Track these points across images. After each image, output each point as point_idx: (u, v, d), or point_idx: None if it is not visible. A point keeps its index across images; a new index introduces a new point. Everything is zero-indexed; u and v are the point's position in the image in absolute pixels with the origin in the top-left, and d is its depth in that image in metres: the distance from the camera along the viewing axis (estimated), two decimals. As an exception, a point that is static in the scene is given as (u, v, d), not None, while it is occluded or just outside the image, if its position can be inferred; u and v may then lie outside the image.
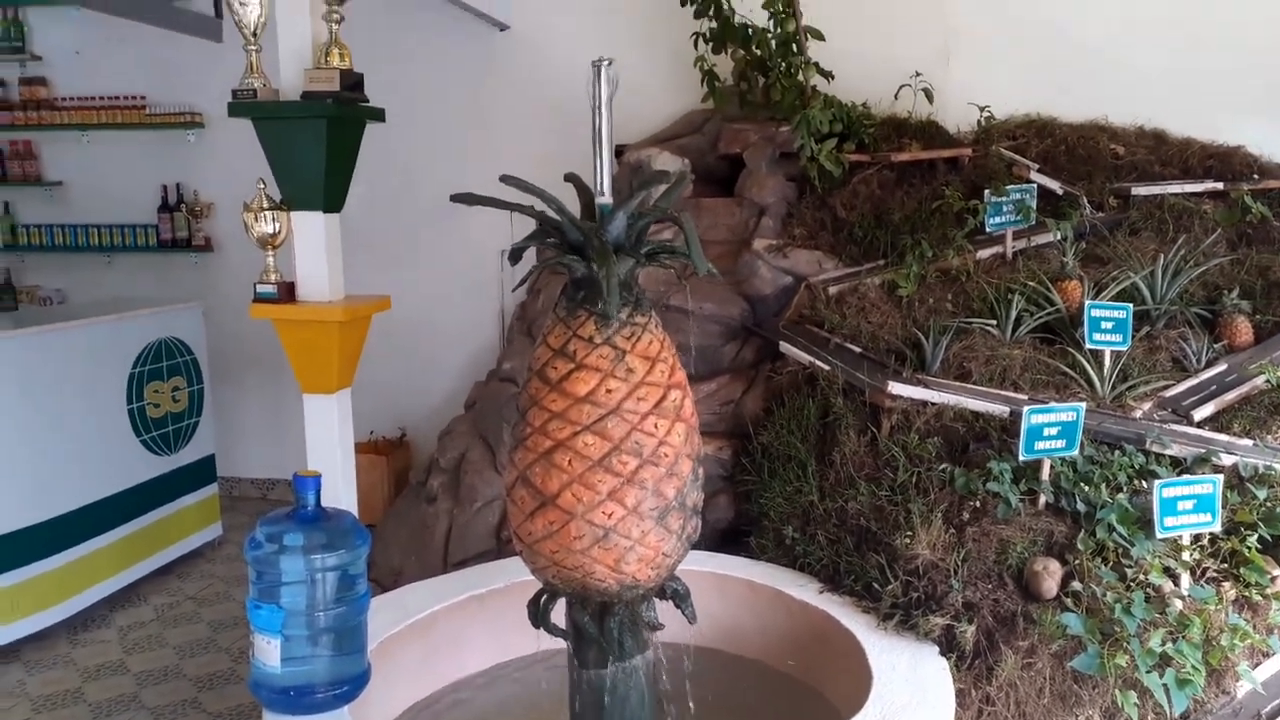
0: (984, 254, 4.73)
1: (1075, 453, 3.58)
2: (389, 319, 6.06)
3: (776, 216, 4.93)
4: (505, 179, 2.61)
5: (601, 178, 2.80)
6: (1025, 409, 3.47)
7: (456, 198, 2.71)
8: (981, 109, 5.18)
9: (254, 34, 3.31)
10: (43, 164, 6.82)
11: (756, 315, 4.88)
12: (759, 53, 4.80)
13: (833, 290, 4.63)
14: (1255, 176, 4.96)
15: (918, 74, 5.07)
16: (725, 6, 4.89)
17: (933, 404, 3.92)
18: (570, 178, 3.01)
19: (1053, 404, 3.59)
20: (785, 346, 4.46)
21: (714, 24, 4.89)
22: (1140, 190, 4.91)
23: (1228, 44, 5.13)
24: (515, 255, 2.82)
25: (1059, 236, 4.65)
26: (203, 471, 5.66)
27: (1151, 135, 5.17)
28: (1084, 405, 3.58)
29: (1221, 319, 4.43)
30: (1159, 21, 5.22)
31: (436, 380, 6.06)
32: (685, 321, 4.86)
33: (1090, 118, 5.22)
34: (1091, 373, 4.10)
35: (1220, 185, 4.91)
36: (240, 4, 3.25)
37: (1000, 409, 3.85)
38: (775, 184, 4.96)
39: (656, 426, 2.56)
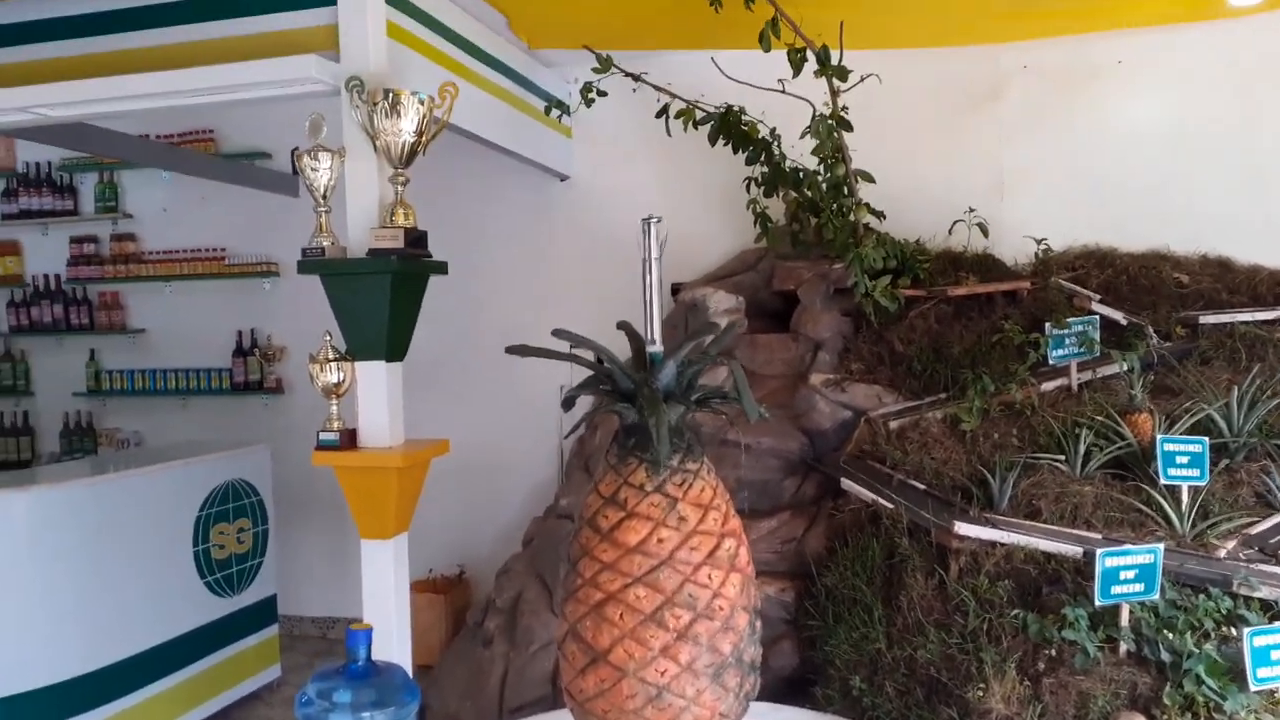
0: (1048, 387, 4.63)
1: (1156, 596, 3.40)
2: (450, 457, 6.16)
3: (833, 351, 4.92)
4: (557, 333, 2.66)
5: (651, 327, 2.83)
6: (1099, 551, 3.33)
7: (512, 349, 2.76)
8: (1038, 241, 5.18)
9: (324, 196, 3.49)
10: (128, 313, 7.18)
11: (816, 450, 4.82)
12: (810, 195, 4.89)
13: (893, 425, 4.56)
14: (1329, 303, 4.82)
15: (971, 209, 5.11)
16: (776, 153, 5.03)
17: (1002, 545, 3.78)
18: (622, 325, 3.05)
19: (1128, 545, 3.44)
20: (847, 483, 4.38)
21: (765, 169, 5.02)
22: (1208, 319, 4.80)
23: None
24: (568, 403, 2.85)
25: (1125, 368, 4.54)
26: (264, 612, 5.68)
27: (1216, 263, 5.07)
28: (1162, 546, 3.41)
29: (1305, 451, 4.24)
30: (1215, 151, 5.21)
31: (496, 517, 6.07)
32: (741, 457, 4.82)
33: (1151, 247, 5.16)
34: (1169, 510, 3.93)
35: (1293, 312, 4.78)
36: (311, 169, 3.44)
37: (1073, 549, 3.70)
38: (830, 319, 4.98)
39: (710, 578, 2.51)
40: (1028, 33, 5.19)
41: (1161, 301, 4.90)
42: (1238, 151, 5.17)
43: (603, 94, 5.19)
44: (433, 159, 6.23)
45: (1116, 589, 3.35)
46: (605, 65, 5.07)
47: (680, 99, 5.18)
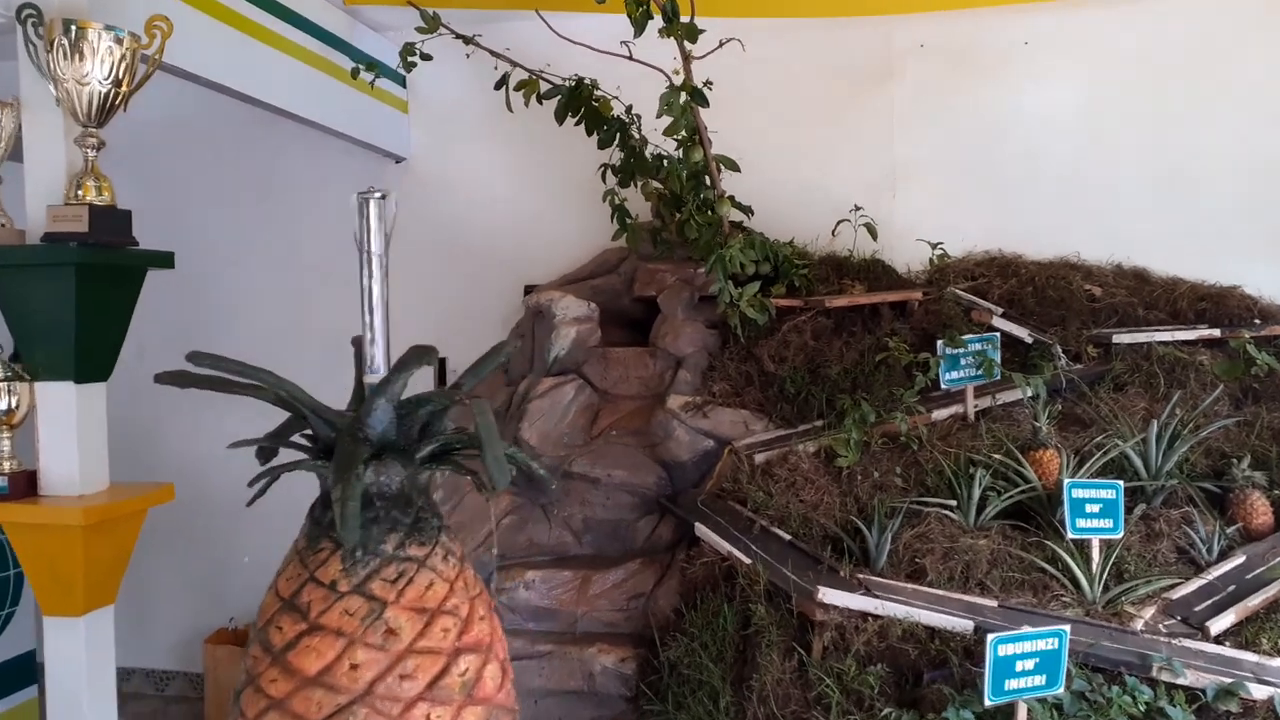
0: (940, 415, 3.96)
1: (1060, 689, 2.71)
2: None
3: (696, 369, 4.17)
4: (194, 356, 1.85)
5: (375, 350, 2.04)
6: (990, 638, 2.62)
7: (161, 378, 1.94)
8: (934, 245, 4.51)
9: (-16, 160, 2.60)
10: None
11: (675, 484, 4.07)
12: (671, 186, 4.14)
13: (760, 458, 3.83)
14: (1256, 321, 4.25)
15: (858, 208, 4.41)
16: (635, 136, 4.26)
17: (876, 617, 3.06)
18: (355, 342, 2.25)
19: (1026, 627, 2.74)
20: (701, 530, 3.63)
21: (621, 154, 4.24)
22: (1123, 338, 4.19)
23: (1215, 172, 4.50)
24: (265, 453, 2.05)
25: (1030, 394, 3.89)
26: (21, 671, 4.69)
27: (1131, 274, 4.49)
28: (1068, 630, 2.73)
29: (1233, 496, 3.64)
30: (1135, 147, 4.60)
31: None
32: (592, 492, 4.05)
33: (1060, 254, 4.58)
34: (1077, 570, 3.27)
35: (1217, 332, 4.19)
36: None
37: (963, 624, 3.00)
38: (694, 332, 4.23)
39: None
40: (925, 4, 4.52)
41: (1071, 317, 4.29)
42: (1156, 148, 4.58)
43: (427, 57, 4.37)
44: (243, 137, 5.37)
45: (1012, 683, 2.66)
46: (432, 25, 4.24)
47: (522, 68, 4.38)
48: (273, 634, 1.80)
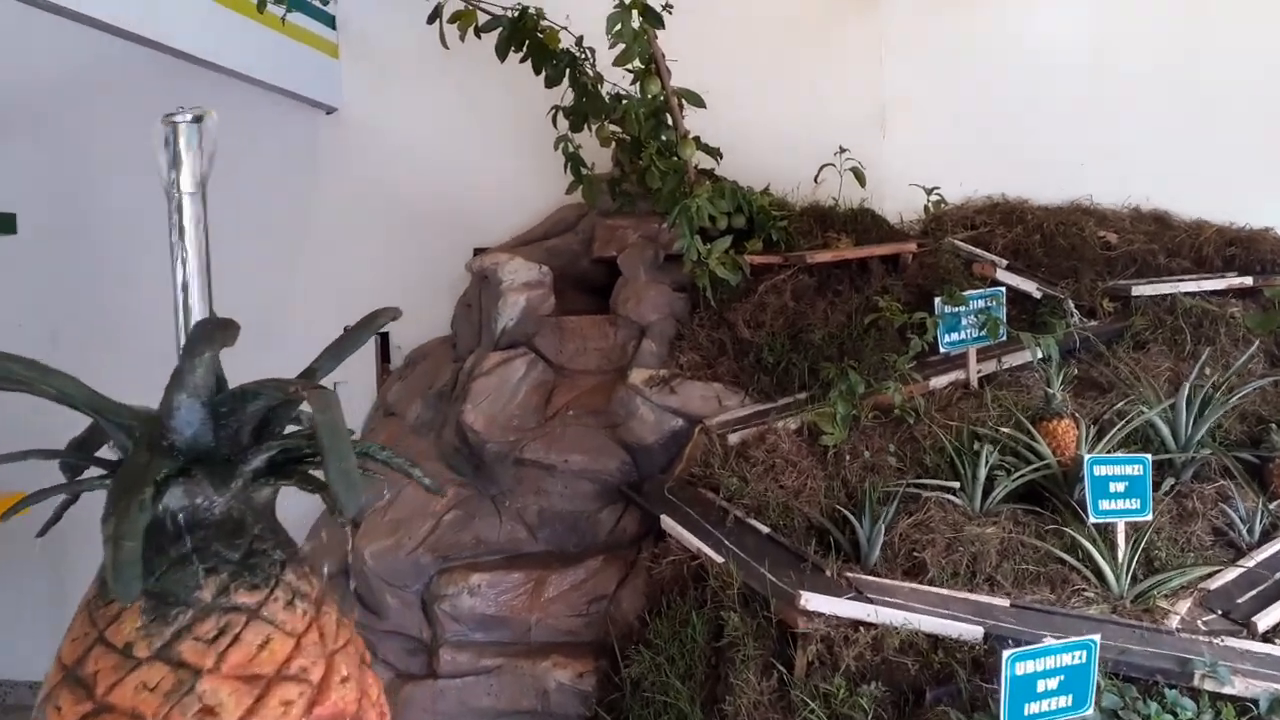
0: (939, 383, 3.51)
1: (1089, 710, 2.27)
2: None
3: (662, 338, 3.68)
4: None
5: (181, 319, 1.56)
6: (1006, 656, 2.16)
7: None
8: (929, 191, 4.01)
9: None
10: None
11: (640, 470, 3.60)
12: (628, 129, 3.62)
13: (734, 438, 3.36)
14: (1291, 267, 3.77)
15: (842, 149, 3.90)
16: (588, 72, 3.74)
17: (868, 625, 2.60)
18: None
19: (1048, 640, 2.29)
20: (667, 523, 3.17)
21: (574, 93, 3.72)
22: (1143, 289, 3.74)
23: (1242, 103, 4.00)
24: (70, 469, 1.58)
25: (1040, 356, 3.42)
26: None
27: (1151, 218, 4.05)
28: (1097, 640, 2.27)
29: (1273, 466, 3.20)
30: (1153, 77, 4.10)
31: None
32: (547, 480, 3.58)
33: (1071, 198, 4.16)
34: (1100, 560, 2.82)
35: (1248, 280, 3.72)
36: None
37: (971, 629, 2.55)
38: (658, 296, 3.74)
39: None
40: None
41: (1085, 267, 3.86)
42: (1176, 77, 4.09)
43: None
44: (152, 92, 4.79)
45: (1032, 707, 2.21)
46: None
47: (457, -5, 3.83)
48: (50, 716, 1.34)
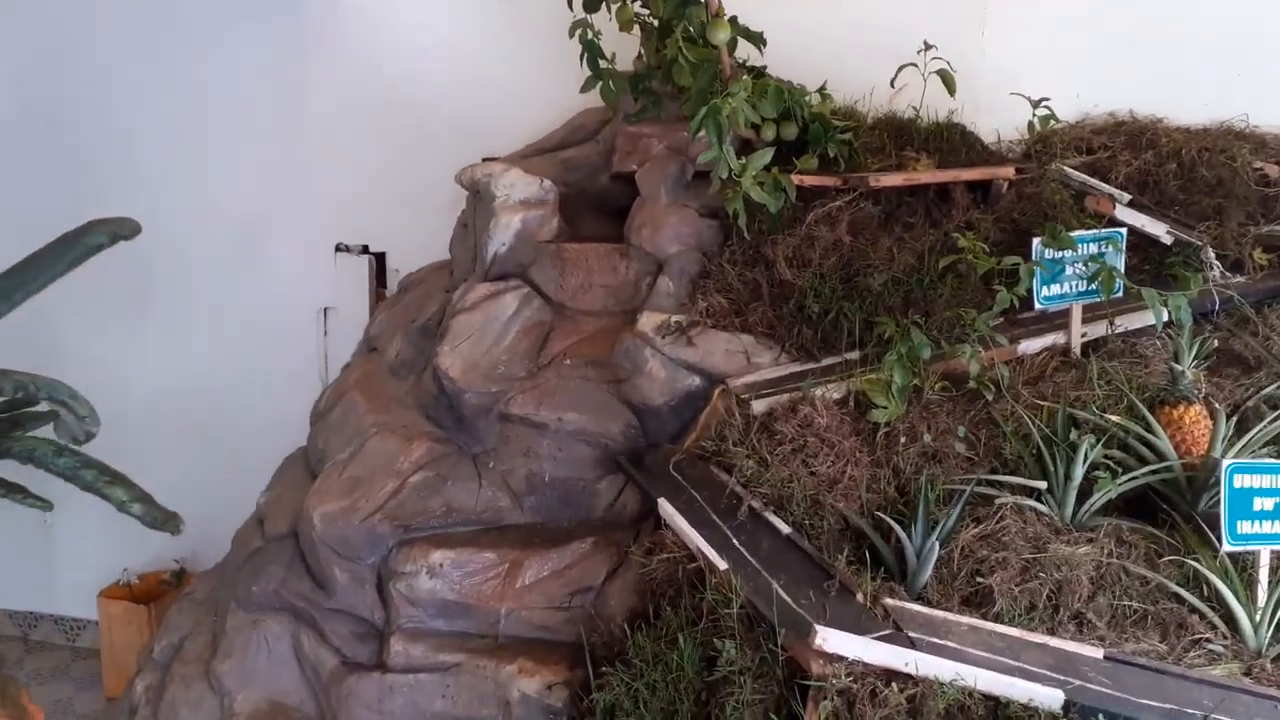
0: (1030, 347, 2.75)
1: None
2: (166, 404, 4.31)
3: (682, 276, 3.01)
4: None
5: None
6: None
7: None
8: (1035, 103, 3.18)
9: None
10: None
11: (647, 434, 2.96)
12: (656, 9, 2.90)
13: (760, 405, 2.69)
14: None
15: (928, 46, 3.09)
16: (605, -66, 3.01)
17: (906, 675, 1.93)
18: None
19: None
20: (665, 509, 2.53)
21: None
22: None
23: None
24: None
25: (1167, 318, 2.63)
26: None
27: None
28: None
29: None
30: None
31: (236, 485, 4.14)
32: (538, 440, 2.97)
33: (1218, 118, 3.29)
34: (1233, 601, 2.10)
35: None
36: None
37: (1046, 694, 1.87)
38: (682, 222, 3.05)
39: None
40: None
41: (1232, 207, 3.05)
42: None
43: None
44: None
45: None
46: None
47: None
48: None
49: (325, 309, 4.15)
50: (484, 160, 3.70)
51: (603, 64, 3.18)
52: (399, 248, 4.03)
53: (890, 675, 1.94)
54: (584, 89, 3.25)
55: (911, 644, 1.98)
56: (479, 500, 2.95)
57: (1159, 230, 2.97)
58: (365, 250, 4.09)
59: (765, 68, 3.20)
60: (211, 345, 4.28)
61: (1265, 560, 2.16)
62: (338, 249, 4.10)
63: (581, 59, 3.21)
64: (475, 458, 3.02)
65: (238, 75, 4.15)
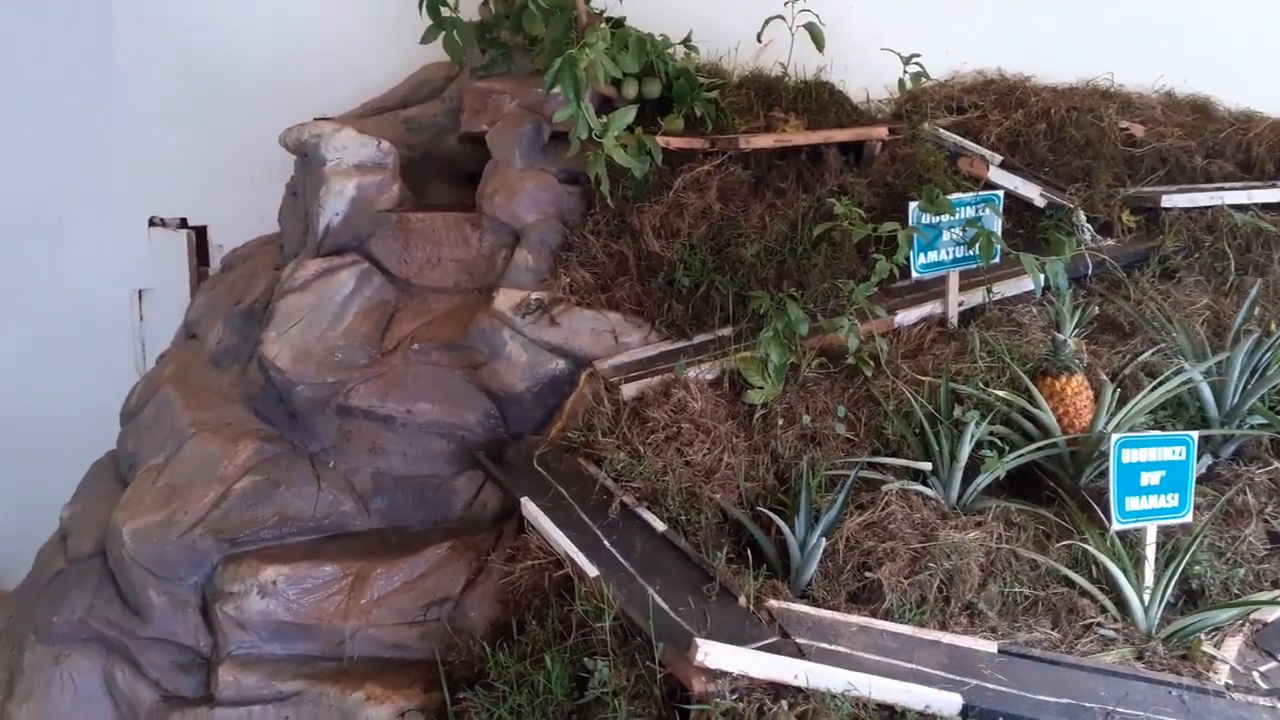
0: (908, 318, 2.63)
1: None
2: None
3: (541, 248, 2.74)
4: None
5: None
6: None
7: None
8: (906, 60, 3.04)
9: None
10: None
11: (509, 425, 2.69)
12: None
13: (629, 389, 2.46)
14: (1367, 176, 2.92)
15: (795, -1, 2.90)
16: None
17: (797, 689, 1.76)
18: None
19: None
20: (529, 509, 2.28)
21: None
22: (1176, 199, 2.89)
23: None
24: None
25: (1044, 284, 2.54)
26: None
27: (1188, 106, 3.33)
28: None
29: (1342, 445, 2.38)
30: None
31: (50, 494, 3.66)
32: (385, 435, 2.66)
33: (1086, 77, 3.28)
34: (1123, 582, 2.01)
35: (1314, 191, 2.87)
36: None
37: (943, 700, 1.73)
38: (539, 189, 2.78)
39: None
40: None
41: (1101, 168, 3.06)
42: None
43: None
44: None
45: None
46: None
47: None
48: None
49: (140, 291, 3.69)
50: (316, 120, 3.32)
51: (445, 11, 2.86)
52: (222, 221, 3.61)
53: (779, 689, 1.77)
54: (424, 40, 2.92)
55: (800, 652, 1.82)
56: (318, 505, 2.63)
57: (1032, 193, 2.90)
58: (183, 224, 3.66)
59: (625, 18, 2.94)
60: (8, 336, 3.74)
61: (1152, 537, 2.09)
62: (151, 223, 3.65)
63: (421, 6, 2.88)
64: (312, 457, 2.70)
65: (29, 31, 3.60)
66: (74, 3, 3.63)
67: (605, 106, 2.73)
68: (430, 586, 2.51)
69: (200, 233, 3.63)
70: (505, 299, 2.66)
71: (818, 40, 2.95)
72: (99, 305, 3.69)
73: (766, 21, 2.95)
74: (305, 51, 3.48)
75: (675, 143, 2.72)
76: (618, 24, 2.82)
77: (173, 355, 3.10)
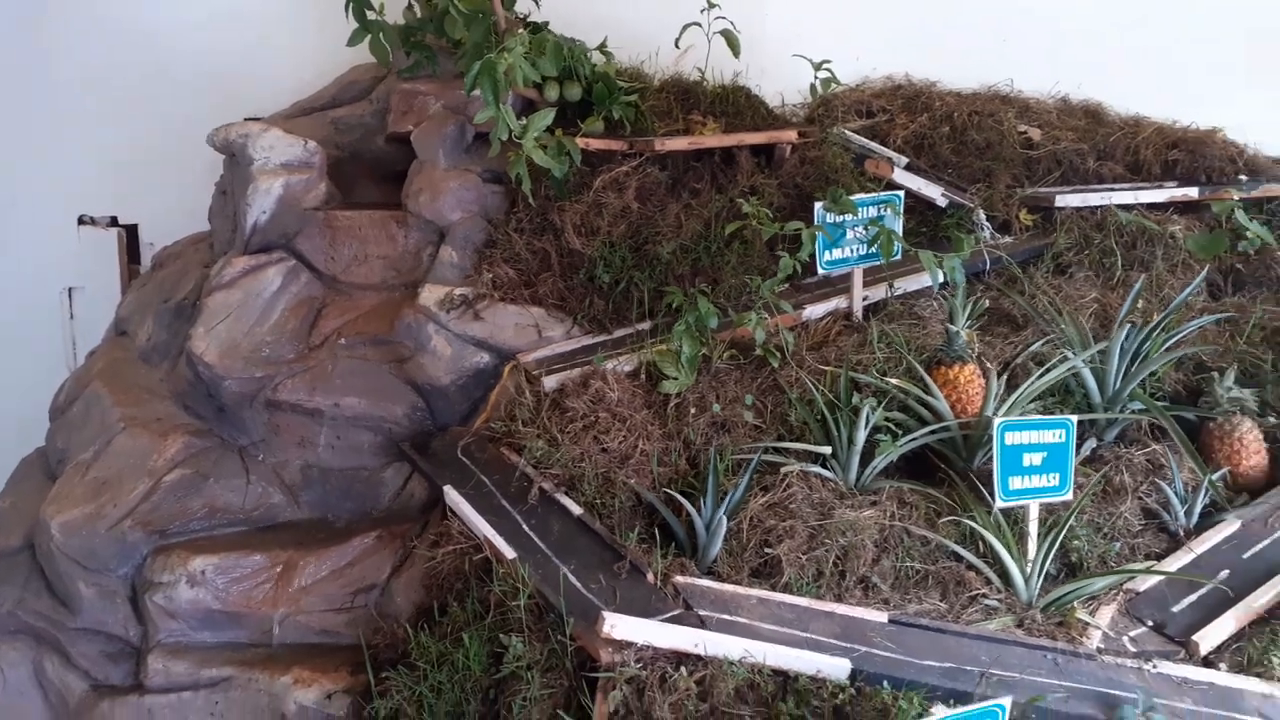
0: (814, 313, 2.76)
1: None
2: None
3: (466, 245, 2.84)
4: None
5: None
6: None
7: None
8: (817, 66, 3.18)
9: None
10: None
11: (435, 418, 2.78)
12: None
13: (551, 381, 2.57)
14: (1243, 178, 3.12)
15: (712, 4, 3.02)
16: None
17: (696, 656, 1.88)
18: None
19: (940, 713, 1.61)
20: (451, 496, 2.38)
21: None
22: (1069, 199, 3.08)
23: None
24: None
25: (942, 280, 2.69)
26: None
27: (1081, 111, 3.48)
28: (1008, 706, 1.60)
29: (1213, 427, 2.58)
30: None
31: None
32: (313, 428, 2.73)
33: (987, 83, 3.48)
34: (1006, 557, 2.16)
35: (1193, 191, 3.06)
36: None
37: (833, 664, 1.86)
38: (463, 188, 2.87)
39: None
40: None
41: (1000, 169, 3.20)
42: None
43: None
44: None
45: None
46: None
47: None
48: None
49: (70, 289, 3.70)
50: (244, 121, 3.37)
51: (371, 15, 2.94)
52: (153, 219, 3.63)
53: (680, 658, 1.88)
54: (351, 42, 2.99)
55: (702, 623, 1.93)
56: (247, 498, 2.70)
57: (934, 193, 3.05)
58: (114, 222, 3.67)
59: (547, 23, 3.04)
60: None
61: (1034, 514, 2.24)
62: (81, 221, 3.66)
63: (347, 9, 2.95)
64: (242, 451, 2.76)
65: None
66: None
67: (529, 109, 2.82)
68: (357, 574, 2.59)
69: (131, 231, 3.65)
70: (431, 295, 2.75)
71: (733, 46, 3.08)
72: (29, 303, 3.69)
73: (684, 28, 3.07)
74: (236, 50, 3.52)
75: (594, 144, 2.82)
76: (537, 29, 2.92)
77: (103, 352, 3.14)
